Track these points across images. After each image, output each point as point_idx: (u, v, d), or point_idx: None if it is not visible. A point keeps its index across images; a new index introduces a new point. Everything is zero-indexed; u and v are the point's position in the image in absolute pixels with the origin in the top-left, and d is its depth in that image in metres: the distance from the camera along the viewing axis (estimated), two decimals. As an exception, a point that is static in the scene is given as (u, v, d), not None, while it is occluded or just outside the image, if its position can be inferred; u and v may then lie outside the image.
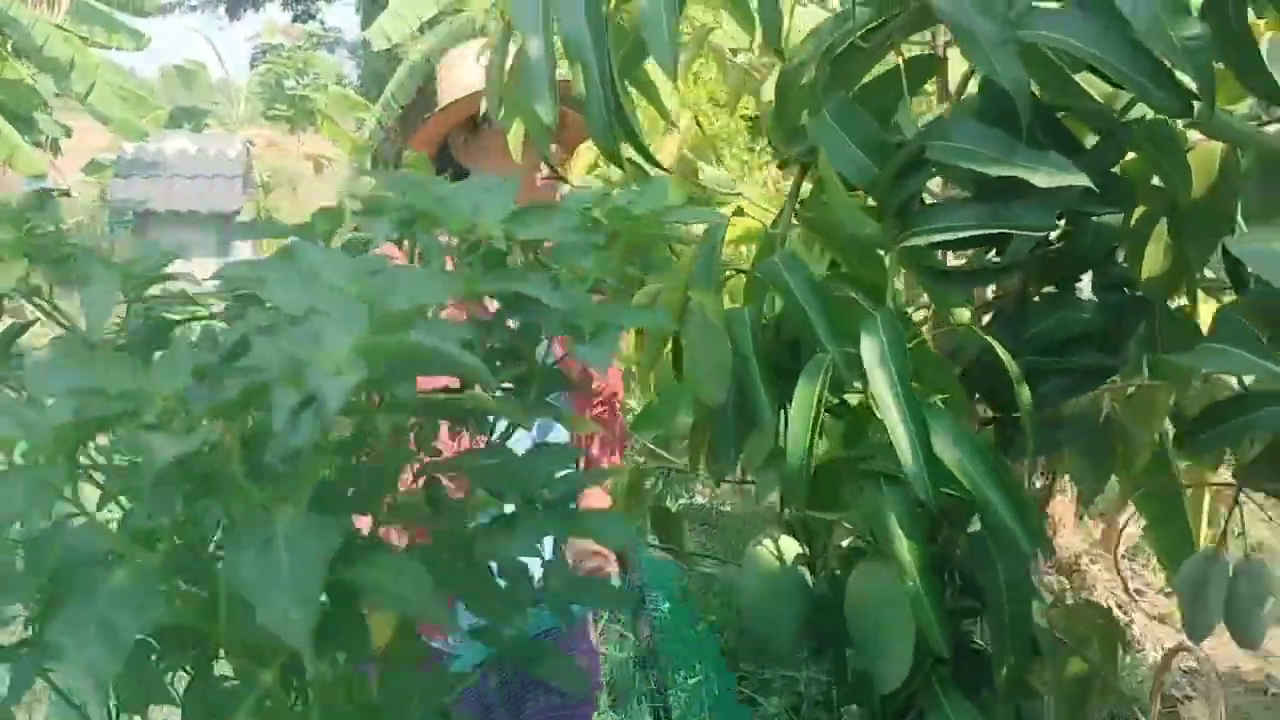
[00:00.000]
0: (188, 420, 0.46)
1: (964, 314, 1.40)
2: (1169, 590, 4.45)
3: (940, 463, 1.09)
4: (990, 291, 1.48)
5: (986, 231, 1.12)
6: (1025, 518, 1.13)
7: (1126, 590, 4.85)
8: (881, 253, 1.30)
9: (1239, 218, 1.26)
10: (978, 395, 1.41)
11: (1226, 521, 2.34)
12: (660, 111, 1.52)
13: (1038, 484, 2.05)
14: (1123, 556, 4.97)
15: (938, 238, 1.15)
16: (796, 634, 1.50)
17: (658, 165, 1.29)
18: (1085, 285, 1.44)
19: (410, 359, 0.46)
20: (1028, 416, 1.22)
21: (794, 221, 1.39)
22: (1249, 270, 0.84)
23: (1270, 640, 4.00)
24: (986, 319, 1.45)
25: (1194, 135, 1.27)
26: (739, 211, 1.80)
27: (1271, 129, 1.24)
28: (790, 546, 1.44)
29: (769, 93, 1.62)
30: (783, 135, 1.34)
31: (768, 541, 1.44)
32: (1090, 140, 1.22)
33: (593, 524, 0.66)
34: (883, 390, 1.09)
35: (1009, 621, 1.37)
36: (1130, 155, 1.26)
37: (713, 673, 2.90)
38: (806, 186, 1.38)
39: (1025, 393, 1.18)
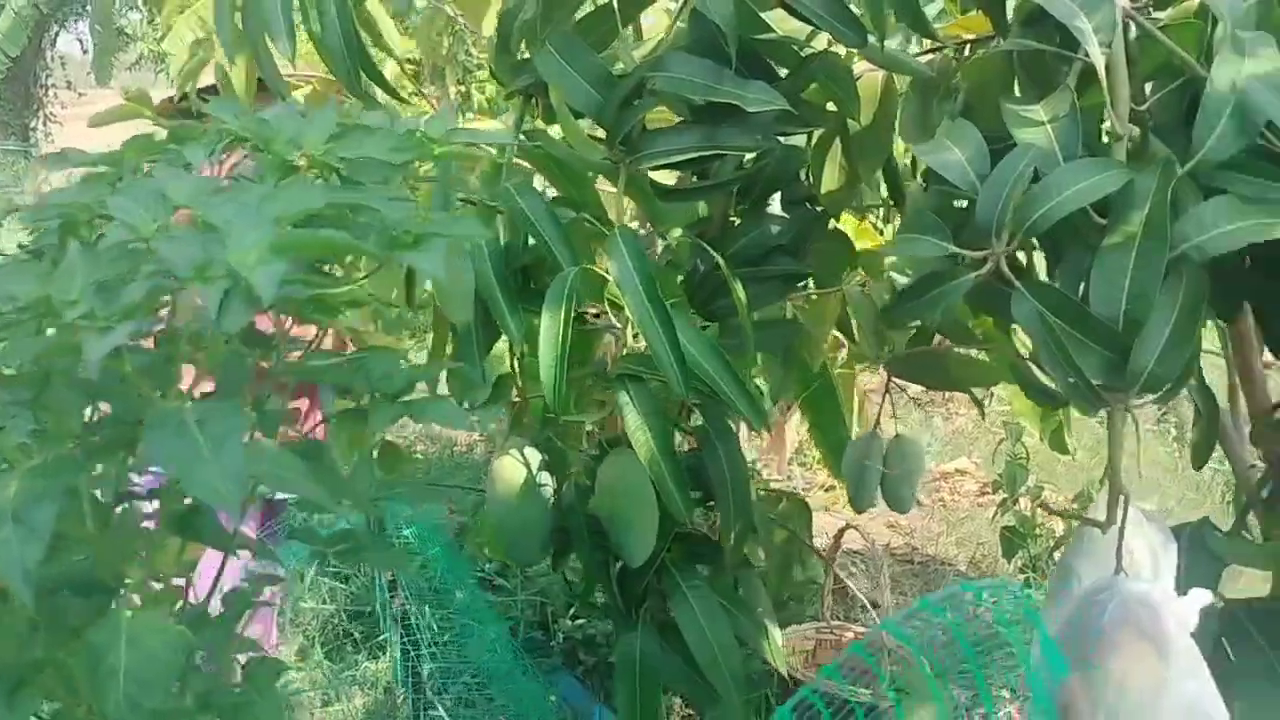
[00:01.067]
0: (101, 321, 0.49)
1: (677, 232, 1.55)
2: (829, 486, 4.99)
3: (685, 361, 1.22)
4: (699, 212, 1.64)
5: (704, 153, 1.26)
6: (754, 404, 1.30)
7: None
8: (598, 176, 1.42)
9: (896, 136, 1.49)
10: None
11: (880, 409, 2.69)
12: (383, 47, 1.54)
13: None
14: (790, 460, 5.51)
15: (662, 161, 1.28)
16: (545, 536, 1.61)
17: (397, 96, 1.33)
18: (777, 205, 1.64)
19: (317, 252, 0.51)
20: (744, 317, 1.39)
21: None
22: (933, 174, 1.03)
23: (912, 517, 4.56)
24: (699, 240, 1.61)
25: (860, 66, 1.48)
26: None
27: (924, 59, 1.47)
28: (534, 455, 1.54)
29: (489, 28, 1.69)
30: (505, 69, 1.42)
31: (513, 453, 1.54)
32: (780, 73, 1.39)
33: (432, 412, 0.73)
34: (634, 301, 1.21)
35: (734, 500, 1.56)
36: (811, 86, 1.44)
37: (466, 596, 2.95)
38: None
39: (741, 294, 1.34)
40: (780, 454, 5.39)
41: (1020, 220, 0.94)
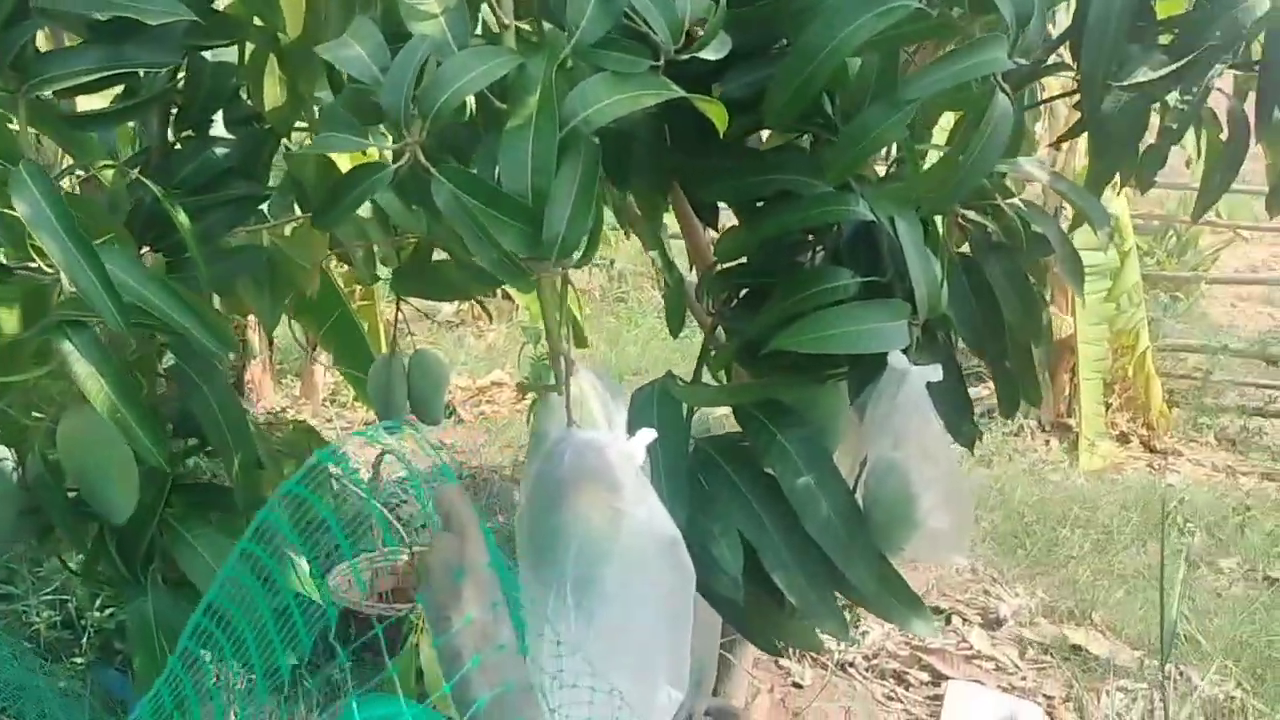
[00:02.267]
0: None
1: (109, 173, 1.44)
2: (370, 421, 4.99)
3: (121, 297, 1.15)
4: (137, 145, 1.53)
5: (111, 73, 1.18)
6: (217, 332, 1.26)
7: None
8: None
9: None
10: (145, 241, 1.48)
11: (394, 329, 2.72)
12: None
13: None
14: (324, 403, 5.42)
15: (61, 85, 1.17)
16: (12, 521, 1.47)
17: None
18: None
19: None
20: (193, 247, 1.33)
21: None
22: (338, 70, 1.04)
23: (456, 433, 4.66)
24: (136, 171, 1.51)
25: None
26: None
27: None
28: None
29: None
30: None
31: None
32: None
33: None
34: (53, 241, 1.11)
35: (231, 437, 1.51)
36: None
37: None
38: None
39: (185, 221, 1.28)
40: (313, 397, 5.29)
41: (425, 109, 0.99)
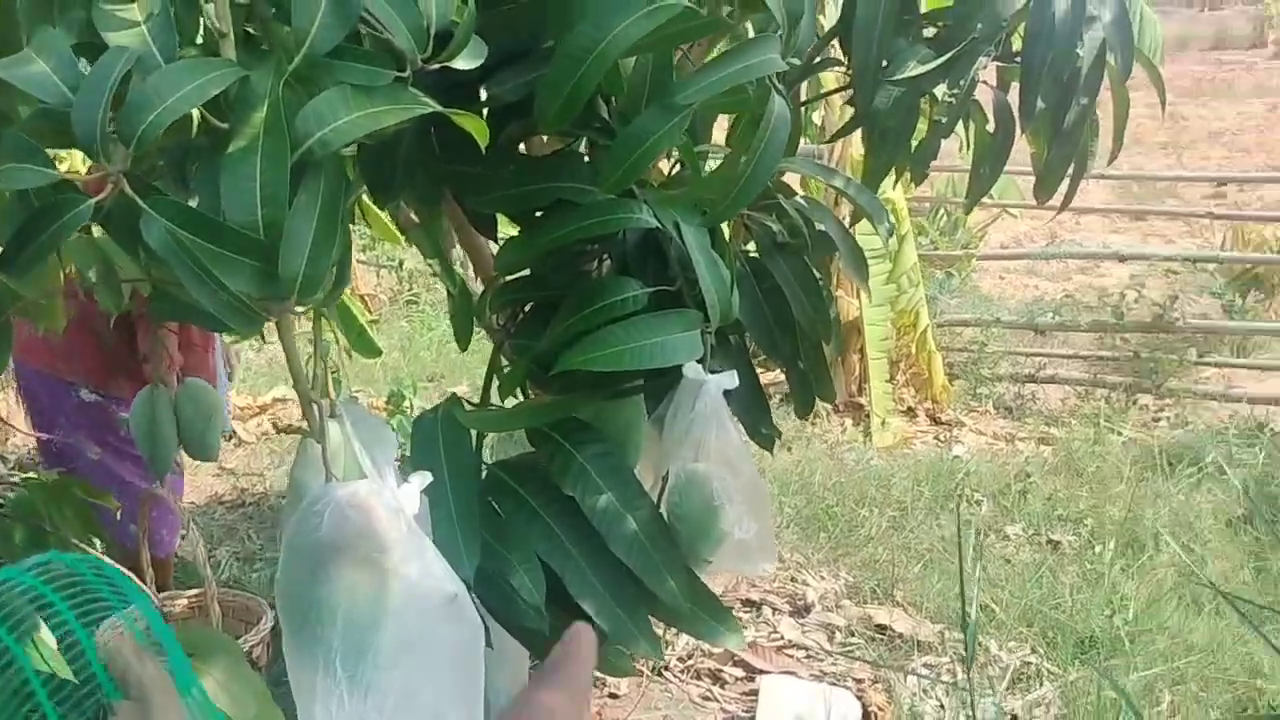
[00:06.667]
0: None
1: None
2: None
3: None
4: None
5: None
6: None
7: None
8: None
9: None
10: None
11: (158, 357, 2.49)
12: None
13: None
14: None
15: None
16: None
17: None
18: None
19: None
20: None
21: None
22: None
23: (238, 457, 4.38)
24: None
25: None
26: None
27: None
28: None
29: None
30: None
31: None
32: None
33: None
34: None
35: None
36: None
37: None
38: None
39: None
40: None
41: (127, 133, 0.84)
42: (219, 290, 0.87)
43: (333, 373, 4.81)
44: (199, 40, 1.01)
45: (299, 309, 0.92)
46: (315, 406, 0.98)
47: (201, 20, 1.00)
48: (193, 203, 0.93)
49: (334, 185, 0.92)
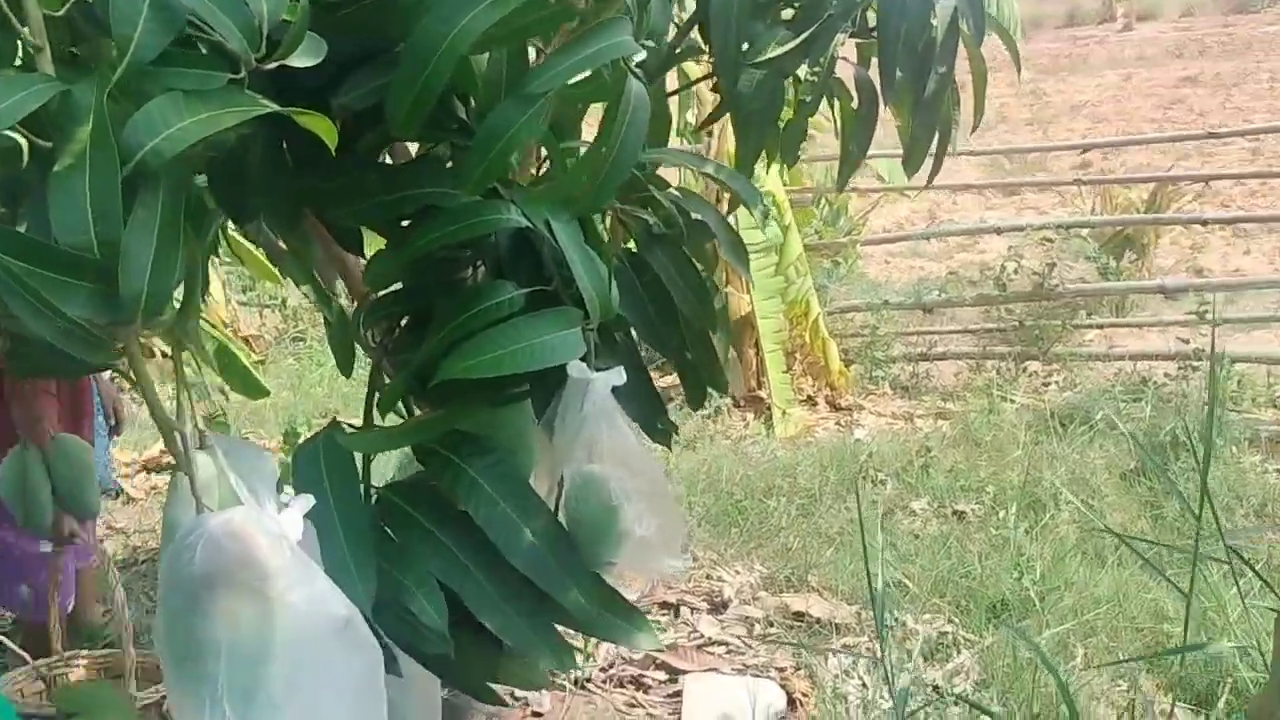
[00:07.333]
0: None
1: None
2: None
3: None
4: None
5: None
6: None
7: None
8: None
9: None
10: None
11: (30, 414, 2.35)
12: None
13: None
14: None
15: None
16: None
17: None
18: None
19: None
20: None
21: None
22: None
23: (131, 514, 4.19)
24: None
25: None
26: None
27: None
28: None
29: None
30: None
31: None
32: None
33: None
34: None
35: None
36: None
37: None
38: None
39: None
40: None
41: (-67, 158, 0.79)
42: (55, 317, 0.81)
43: (218, 417, 4.67)
44: (18, 62, 0.95)
45: (147, 331, 0.87)
46: (178, 435, 0.93)
47: (20, 43, 0.94)
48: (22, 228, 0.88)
49: (174, 198, 0.88)
